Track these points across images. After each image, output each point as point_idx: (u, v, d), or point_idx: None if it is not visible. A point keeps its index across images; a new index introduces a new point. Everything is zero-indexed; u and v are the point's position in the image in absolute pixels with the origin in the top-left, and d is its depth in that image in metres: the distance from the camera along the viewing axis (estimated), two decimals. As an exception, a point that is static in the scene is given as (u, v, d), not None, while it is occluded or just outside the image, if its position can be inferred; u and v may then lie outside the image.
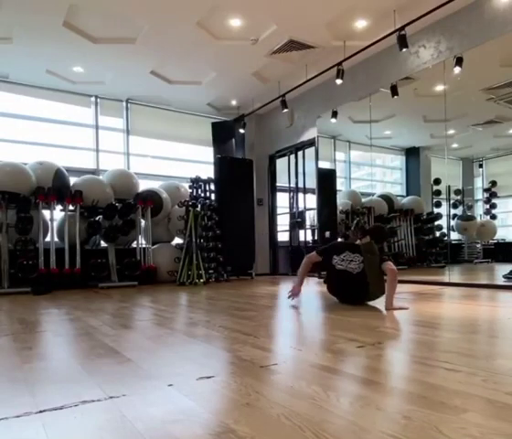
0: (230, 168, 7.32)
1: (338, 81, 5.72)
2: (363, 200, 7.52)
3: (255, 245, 7.55)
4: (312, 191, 7.53)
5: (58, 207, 5.99)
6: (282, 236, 8.30)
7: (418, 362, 1.73)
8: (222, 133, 8.00)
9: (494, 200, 6.72)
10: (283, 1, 4.80)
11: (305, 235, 7.77)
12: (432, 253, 7.13)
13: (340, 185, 7.84)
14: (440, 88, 5.55)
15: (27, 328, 2.76)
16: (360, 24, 5.32)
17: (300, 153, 7.75)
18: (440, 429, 1.04)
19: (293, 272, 7.83)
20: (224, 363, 1.83)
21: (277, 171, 8.38)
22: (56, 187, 5.82)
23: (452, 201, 6.88)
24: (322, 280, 3.75)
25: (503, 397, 1.25)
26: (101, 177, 6.63)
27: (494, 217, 6.76)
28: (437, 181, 6.94)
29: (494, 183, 6.72)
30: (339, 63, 5.70)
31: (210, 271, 6.60)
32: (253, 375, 1.56)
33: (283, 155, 8.13)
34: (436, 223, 7.15)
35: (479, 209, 6.93)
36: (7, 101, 6.60)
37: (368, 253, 3.41)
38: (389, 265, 3.26)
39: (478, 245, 6.95)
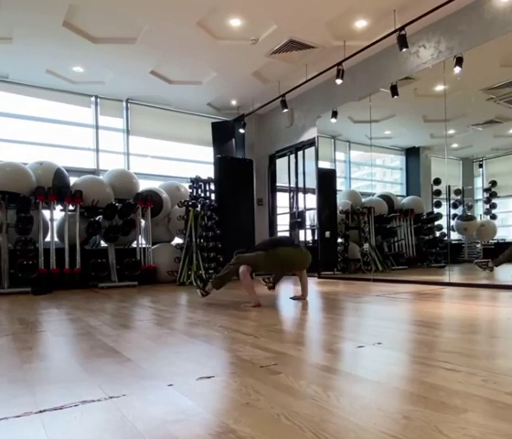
0: (230, 168, 7.32)
1: (338, 81, 5.72)
2: (363, 200, 7.52)
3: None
4: (312, 191, 7.52)
5: (58, 207, 5.99)
6: (282, 236, 8.30)
7: (418, 362, 1.72)
8: (222, 133, 8.00)
9: (494, 200, 6.71)
10: (283, 1, 4.80)
11: (305, 235, 7.77)
12: (432, 253, 7.12)
13: (340, 185, 7.84)
14: (440, 88, 5.54)
15: (27, 328, 2.75)
16: (360, 24, 5.32)
17: (300, 153, 7.75)
18: (440, 429, 1.04)
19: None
20: (224, 363, 1.83)
21: (277, 171, 8.38)
22: (56, 187, 5.82)
23: (452, 201, 6.88)
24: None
25: (503, 397, 1.25)
26: (101, 177, 6.62)
27: (494, 217, 6.75)
28: (437, 181, 6.94)
29: (494, 183, 6.71)
30: (339, 63, 5.70)
31: (210, 271, 6.59)
32: (253, 375, 1.56)
33: (283, 155, 8.13)
34: (436, 223, 7.15)
35: (479, 209, 6.92)
36: (7, 101, 6.60)
37: None
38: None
39: (478, 245, 6.94)
